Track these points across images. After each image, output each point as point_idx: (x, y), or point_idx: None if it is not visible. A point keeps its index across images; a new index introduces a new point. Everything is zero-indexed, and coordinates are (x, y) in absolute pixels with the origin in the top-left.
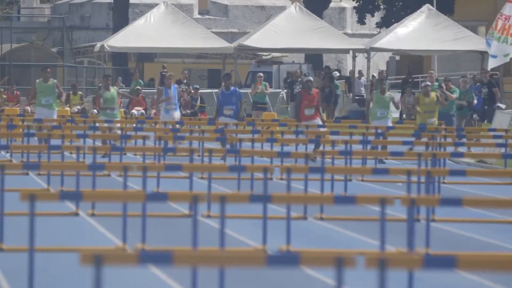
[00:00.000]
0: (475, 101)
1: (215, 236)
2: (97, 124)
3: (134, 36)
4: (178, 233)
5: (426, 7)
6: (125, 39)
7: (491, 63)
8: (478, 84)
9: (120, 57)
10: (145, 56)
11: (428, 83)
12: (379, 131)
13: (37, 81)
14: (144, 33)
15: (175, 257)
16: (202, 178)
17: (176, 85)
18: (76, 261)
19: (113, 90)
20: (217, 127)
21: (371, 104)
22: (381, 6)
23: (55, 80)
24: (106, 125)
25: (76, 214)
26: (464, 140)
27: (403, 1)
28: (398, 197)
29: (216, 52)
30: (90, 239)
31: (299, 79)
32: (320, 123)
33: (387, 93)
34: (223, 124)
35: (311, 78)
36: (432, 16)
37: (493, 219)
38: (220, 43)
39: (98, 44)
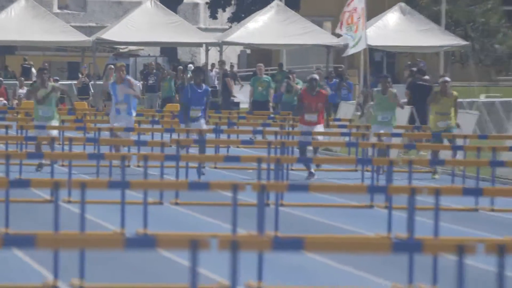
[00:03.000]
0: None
1: (76, 220)
2: None
3: None
4: (40, 218)
5: (275, 2)
6: None
7: (349, 51)
8: (334, 80)
9: None
10: (6, 49)
11: (447, 78)
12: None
13: None
14: (5, 26)
15: (37, 240)
16: (62, 165)
17: (129, 79)
18: None
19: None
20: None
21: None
22: (232, 2)
23: None
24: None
25: None
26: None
27: None
28: (249, 183)
29: (75, 45)
30: None
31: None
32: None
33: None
34: (194, 131)
35: (317, 76)
36: (281, 11)
37: (338, 203)
38: (79, 37)
39: None
